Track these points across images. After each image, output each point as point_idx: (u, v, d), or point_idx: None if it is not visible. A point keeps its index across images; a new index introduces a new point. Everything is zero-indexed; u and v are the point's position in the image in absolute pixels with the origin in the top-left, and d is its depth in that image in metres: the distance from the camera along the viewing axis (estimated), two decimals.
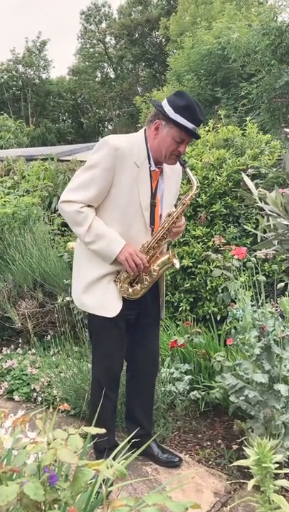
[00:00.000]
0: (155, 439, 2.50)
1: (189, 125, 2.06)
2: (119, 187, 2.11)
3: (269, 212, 1.47)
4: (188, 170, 2.16)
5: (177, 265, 2.20)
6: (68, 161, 6.10)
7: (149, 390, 2.51)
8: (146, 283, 2.19)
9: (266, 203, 1.48)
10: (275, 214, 1.45)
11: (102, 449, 2.27)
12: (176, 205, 2.30)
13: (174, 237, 2.28)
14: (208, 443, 2.63)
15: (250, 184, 1.63)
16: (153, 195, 2.19)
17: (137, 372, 2.47)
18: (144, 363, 2.44)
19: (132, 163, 2.11)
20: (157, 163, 2.19)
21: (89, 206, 2.15)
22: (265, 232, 1.69)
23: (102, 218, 2.16)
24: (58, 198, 5.11)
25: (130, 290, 2.19)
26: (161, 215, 2.24)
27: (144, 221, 2.17)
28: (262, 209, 1.51)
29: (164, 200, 2.25)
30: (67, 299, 3.42)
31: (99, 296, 2.19)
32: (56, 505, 0.99)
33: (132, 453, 1.36)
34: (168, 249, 2.27)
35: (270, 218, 1.55)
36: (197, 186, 2.17)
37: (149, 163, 2.16)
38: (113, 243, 2.11)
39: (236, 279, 2.54)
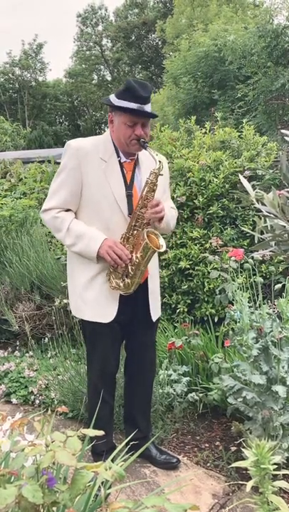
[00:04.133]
0: (153, 441, 2.50)
1: (132, 105, 2.05)
2: (90, 184, 2.12)
3: (266, 214, 1.47)
4: (149, 150, 2.11)
5: (163, 248, 2.10)
6: None
7: (147, 393, 2.50)
8: (132, 273, 2.13)
9: (263, 205, 1.49)
10: (272, 215, 1.46)
11: (100, 451, 2.26)
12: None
13: (157, 220, 2.15)
14: (207, 445, 2.63)
15: (248, 186, 1.64)
16: (129, 186, 2.18)
17: (134, 375, 2.47)
18: (141, 366, 2.43)
19: (98, 159, 2.14)
20: (128, 155, 2.20)
21: (67, 211, 2.17)
22: (262, 233, 1.70)
23: (82, 219, 2.17)
24: None
25: (122, 285, 2.15)
26: None
27: (122, 212, 2.15)
28: (259, 210, 1.51)
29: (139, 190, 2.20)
30: (65, 301, 3.42)
31: (93, 301, 2.18)
32: (55, 508, 0.99)
33: (131, 455, 1.36)
34: (147, 233, 2.13)
35: (268, 219, 1.56)
36: (159, 161, 2.09)
37: (118, 156, 2.18)
38: (92, 241, 2.10)
39: (234, 280, 2.54)
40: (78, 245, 2.12)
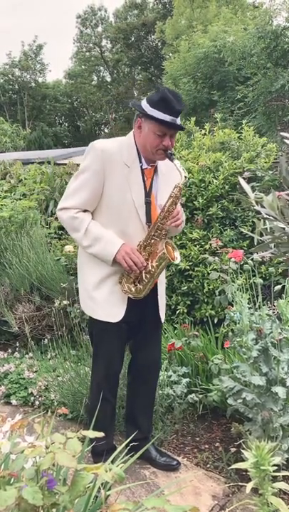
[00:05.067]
0: (153, 442, 2.50)
1: (167, 117, 2.05)
2: (111, 188, 2.13)
3: (265, 216, 1.48)
4: (176, 162, 2.13)
5: (177, 260, 2.17)
6: (65, 164, 6.10)
7: (150, 393, 2.51)
8: (145, 280, 2.18)
9: (263, 207, 1.49)
10: (271, 217, 1.46)
11: (100, 451, 2.26)
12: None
13: (176, 229, 2.26)
14: (206, 446, 2.63)
15: (247, 187, 1.64)
16: (147, 193, 2.19)
17: (138, 374, 2.47)
18: (146, 366, 2.44)
19: (122, 164, 2.13)
20: (149, 162, 2.21)
21: (85, 211, 2.17)
22: (261, 235, 1.70)
23: (99, 221, 2.17)
24: (55, 201, 5.14)
25: (133, 289, 2.19)
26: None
27: (140, 219, 2.18)
28: (258, 212, 1.51)
29: (160, 197, 2.23)
30: (65, 302, 3.42)
31: (103, 301, 2.21)
32: (54, 510, 0.99)
33: (131, 456, 1.36)
34: (165, 244, 2.21)
35: (267, 221, 1.56)
36: (185, 177, 2.13)
37: (140, 162, 2.18)
38: (110, 244, 2.12)
39: (233, 281, 2.54)
40: (95, 247, 2.13)
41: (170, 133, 2.13)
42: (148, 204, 2.19)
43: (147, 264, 2.16)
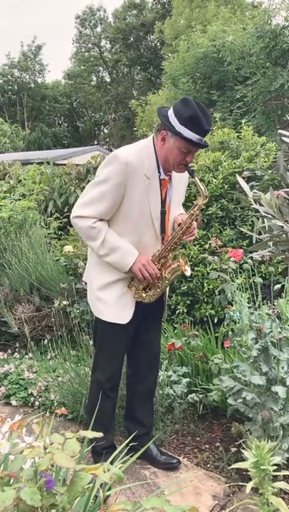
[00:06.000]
0: (154, 441, 2.50)
1: (195, 137, 2.03)
2: (131, 200, 2.12)
3: (264, 214, 1.47)
4: (196, 180, 2.16)
5: (188, 272, 2.23)
6: (64, 164, 6.10)
7: (151, 387, 2.53)
8: (158, 290, 2.26)
9: (261, 205, 1.49)
10: (269, 216, 1.46)
11: (99, 450, 2.26)
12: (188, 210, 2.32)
13: (189, 240, 2.34)
14: (207, 446, 2.62)
15: (245, 186, 1.64)
16: (163, 204, 2.22)
17: (138, 369, 2.49)
18: (146, 361, 2.46)
19: (143, 176, 2.12)
20: (166, 171, 2.21)
21: (101, 220, 2.16)
22: (260, 233, 1.70)
23: (114, 229, 2.18)
24: (54, 201, 5.14)
25: (144, 295, 2.25)
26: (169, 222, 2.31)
27: (155, 230, 2.21)
28: (257, 211, 1.51)
29: (173, 205, 2.29)
30: (64, 302, 3.41)
31: (112, 303, 2.23)
32: (53, 511, 0.99)
33: (131, 456, 1.35)
34: (180, 257, 2.31)
35: (265, 220, 1.56)
36: (205, 196, 2.18)
37: (159, 172, 2.17)
38: (127, 255, 2.15)
39: (233, 281, 2.54)
40: (112, 257, 2.16)
41: (194, 150, 2.14)
42: (163, 214, 2.22)
43: (161, 275, 2.23)
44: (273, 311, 2.55)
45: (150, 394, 2.53)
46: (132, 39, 33.91)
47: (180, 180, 2.32)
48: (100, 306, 2.25)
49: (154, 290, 2.26)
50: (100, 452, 2.26)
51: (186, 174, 2.27)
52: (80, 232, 2.22)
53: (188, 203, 3.72)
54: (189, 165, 2.16)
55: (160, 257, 2.22)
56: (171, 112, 2.10)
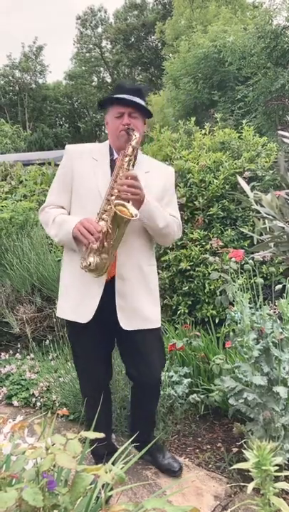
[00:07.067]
0: (156, 443, 2.43)
1: (118, 96, 2.09)
2: (78, 180, 2.14)
3: (265, 215, 1.47)
4: (133, 134, 2.05)
5: (134, 212, 1.92)
6: None
7: (149, 405, 2.37)
8: (108, 247, 1.97)
9: (262, 206, 1.49)
10: (270, 216, 1.46)
11: (100, 454, 2.26)
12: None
13: (133, 198, 1.99)
14: (208, 446, 2.62)
15: (246, 187, 1.64)
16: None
17: (136, 384, 2.35)
18: (141, 375, 2.25)
19: (90, 159, 2.16)
20: (119, 150, 2.13)
21: (58, 208, 2.18)
22: (261, 234, 1.70)
23: (72, 214, 2.16)
24: None
25: (97, 259, 1.95)
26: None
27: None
28: (258, 212, 1.51)
29: None
30: None
31: (73, 302, 2.13)
32: (55, 511, 0.99)
33: (132, 457, 1.35)
34: (114, 205, 1.96)
35: (266, 221, 1.56)
36: (135, 137, 2.04)
37: (112, 154, 2.19)
38: (68, 223, 2.04)
39: (234, 281, 2.54)
40: (59, 234, 2.09)
41: (127, 111, 2.08)
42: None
43: (107, 231, 1.95)
44: (274, 312, 2.55)
45: (147, 413, 2.40)
46: (132, 39, 33.95)
47: (150, 172, 2.16)
48: (61, 303, 2.23)
49: (104, 254, 1.96)
50: (100, 456, 2.26)
51: (163, 173, 2.23)
52: (42, 224, 2.23)
53: (189, 204, 3.73)
54: (128, 128, 2.06)
55: (101, 212, 1.99)
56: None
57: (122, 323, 2.10)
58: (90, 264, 1.94)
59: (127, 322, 2.11)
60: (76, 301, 2.13)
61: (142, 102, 2.13)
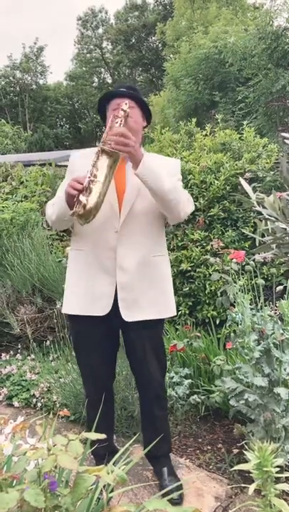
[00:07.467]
0: (168, 464, 2.31)
1: (110, 91, 2.16)
2: (83, 174, 1.98)
3: (267, 217, 1.47)
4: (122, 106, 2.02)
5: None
6: (66, 166, 6.09)
7: (152, 416, 2.26)
8: (93, 187, 1.89)
9: (264, 207, 1.49)
10: (272, 218, 1.46)
11: (101, 455, 2.25)
12: None
13: (124, 150, 1.92)
14: (209, 447, 2.62)
15: (248, 188, 1.64)
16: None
17: (139, 392, 2.31)
18: (142, 384, 2.24)
19: (94, 155, 2.05)
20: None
21: None
22: (263, 236, 1.70)
23: None
24: None
25: (87, 200, 1.87)
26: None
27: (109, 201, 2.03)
28: (260, 213, 1.51)
29: (131, 180, 2.08)
30: None
31: (83, 297, 2.12)
32: None
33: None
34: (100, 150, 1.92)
35: (268, 222, 1.56)
36: (125, 104, 1.98)
37: None
38: (61, 197, 2.02)
39: (235, 282, 2.54)
40: (55, 208, 2.08)
41: (120, 102, 2.04)
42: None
43: (93, 179, 1.89)
44: (275, 313, 2.55)
45: (153, 424, 2.28)
46: (133, 40, 33.97)
47: (156, 162, 2.04)
48: (66, 301, 2.26)
49: (94, 192, 1.88)
50: (102, 457, 2.26)
51: (169, 161, 2.27)
52: (46, 216, 2.23)
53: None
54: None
55: (92, 166, 1.92)
56: None
57: (123, 315, 2.06)
58: (84, 206, 1.86)
59: (128, 313, 2.07)
60: (88, 295, 2.09)
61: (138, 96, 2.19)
